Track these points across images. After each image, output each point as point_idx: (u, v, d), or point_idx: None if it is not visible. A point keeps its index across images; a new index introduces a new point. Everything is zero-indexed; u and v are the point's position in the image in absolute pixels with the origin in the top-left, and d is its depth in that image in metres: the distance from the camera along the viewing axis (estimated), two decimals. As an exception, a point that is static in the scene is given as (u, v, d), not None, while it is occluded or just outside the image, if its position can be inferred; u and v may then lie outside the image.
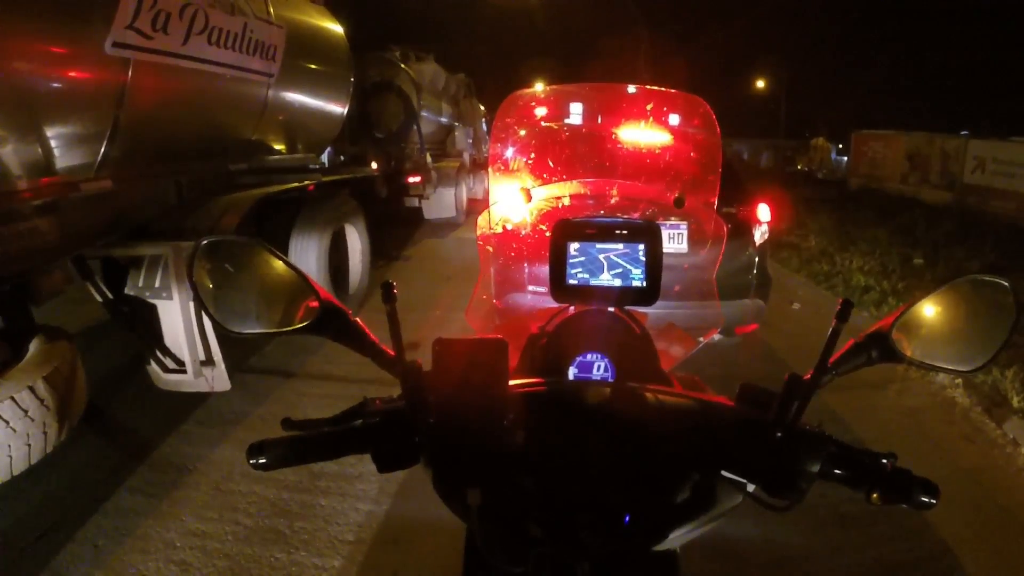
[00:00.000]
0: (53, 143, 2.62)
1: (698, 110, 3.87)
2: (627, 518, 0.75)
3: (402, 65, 9.83)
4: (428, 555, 2.50)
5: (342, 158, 7.59)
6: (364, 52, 8.31)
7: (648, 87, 3.86)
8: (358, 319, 0.86)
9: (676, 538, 0.81)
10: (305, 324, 0.83)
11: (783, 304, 5.84)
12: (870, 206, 12.67)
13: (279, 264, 0.84)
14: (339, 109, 6.28)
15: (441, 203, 11.02)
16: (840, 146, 26.94)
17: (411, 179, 9.63)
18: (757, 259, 4.13)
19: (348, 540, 2.63)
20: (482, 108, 16.16)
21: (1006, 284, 0.81)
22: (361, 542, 2.62)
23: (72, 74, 2.71)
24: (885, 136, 17.43)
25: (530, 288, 3.86)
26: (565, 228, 1.15)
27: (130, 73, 2.92)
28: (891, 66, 37.02)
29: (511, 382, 0.85)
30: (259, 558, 2.54)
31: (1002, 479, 3.17)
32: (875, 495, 0.73)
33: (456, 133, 12.86)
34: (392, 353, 0.82)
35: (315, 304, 0.83)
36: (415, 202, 10.23)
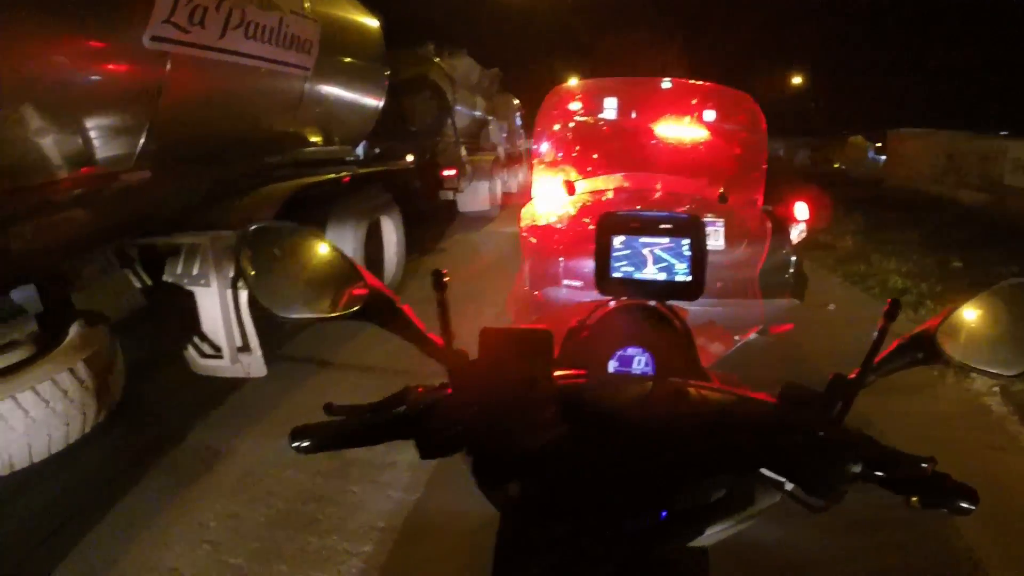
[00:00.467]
0: (93, 135, 2.65)
1: (744, 105, 3.78)
2: (664, 513, 0.74)
3: (436, 59, 9.84)
4: (457, 544, 2.45)
5: (377, 151, 7.61)
6: (399, 47, 8.33)
7: (694, 81, 3.75)
8: (405, 306, 0.85)
9: (711, 535, 0.79)
10: (353, 310, 0.82)
11: (818, 304, 5.67)
12: (907, 207, 12.32)
13: (327, 250, 0.84)
14: (374, 103, 6.28)
15: (476, 197, 11.01)
16: (878, 145, 26.19)
17: (446, 172, 9.64)
18: (793, 258, 4.01)
19: (379, 527, 2.63)
20: (516, 102, 16.08)
21: None
22: (392, 529, 2.61)
23: (111, 67, 2.72)
24: (923, 135, 16.87)
25: (565, 283, 3.82)
26: (610, 221, 1.14)
27: (168, 67, 2.94)
28: (931, 63, 35.86)
29: (555, 373, 0.85)
30: (291, 541, 2.55)
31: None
32: (914, 499, 0.71)
33: (490, 127, 12.84)
34: (439, 341, 0.83)
35: (363, 291, 0.83)
36: (450, 195, 10.22)
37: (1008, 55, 29.87)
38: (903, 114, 23.22)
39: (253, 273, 0.83)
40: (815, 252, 7.95)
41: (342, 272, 0.84)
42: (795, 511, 0.75)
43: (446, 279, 0.80)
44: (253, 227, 0.83)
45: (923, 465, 0.72)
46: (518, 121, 15.89)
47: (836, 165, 27.45)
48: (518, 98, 16.38)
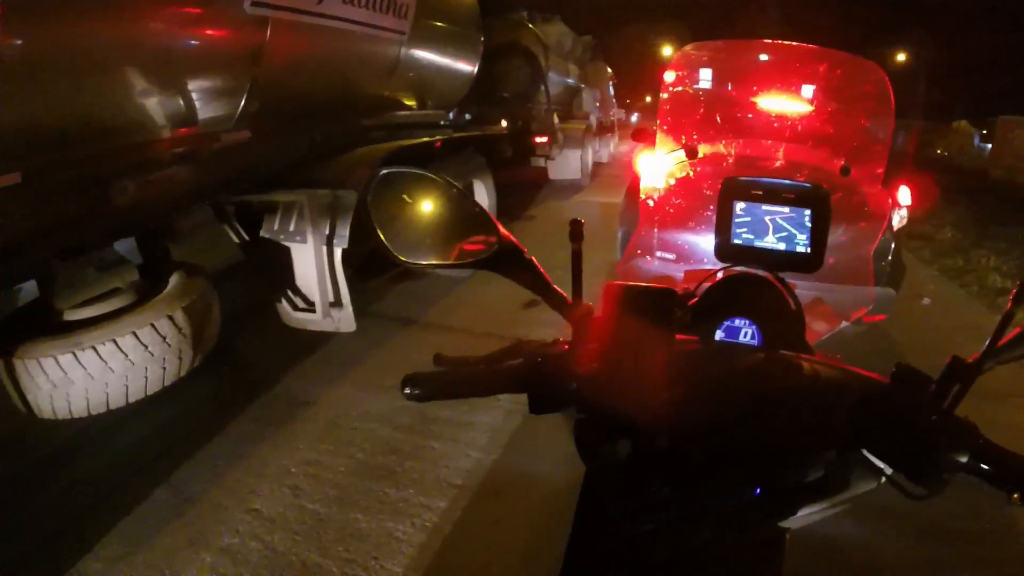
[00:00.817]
0: (195, 96, 2.62)
1: (871, 76, 3.36)
2: (757, 491, 0.70)
3: (530, 26, 9.49)
4: (531, 507, 2.40)
5: (468, 116, 7.47)
6: (493, 12, 8.06)
7: (823, 48, 3.36)
8: (533, 258, 0.79)
9: (800, 517, 0.73)
10: (481, 259, 0.77)
11: (912, 297, 5.14)
12: (1012, 200, 11.02)
13: (457, 198, 0.79)
14: (468, 68, 6.10)
15: (567, 165, 10.68)
16: (984, 132, 23.66)
17: (538, 139, 9.41)
18: (893, 245, 3.59)
19: (455, 484, 2.58)
20: (609, 71, 15.45)
21: None
22: (467, 488, 2.57)
23: (213, 32, 2.67)
24: (1034, 124, 15.00)
25: (658, 254, 3.58)
26: (732, 187, 1.08)
27: (268, 32, 2.86)
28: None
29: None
30: (369, 491, 2.54)
31: None
32: (1016, 495, 0.64)
33: (583, 95, 12.40)
34: (563, 295, 0.79)
35: (492, 240, 0.77)
36: (541, 162, 9.99)
37: None
38: (1014, 100, 20.76)
39: (380, 218, 0.78)
40: (912, 243, 7.26)
41: (472, 220, 0.79)
42: (876, 510, 0.59)
43: (582, 228, 0.77)
44: (384, 171, 0.79)
45: None
46: (611, 90, 15.31)
47: (939, 151, 25.10)
48: (611, 67, 15.74)
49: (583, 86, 12.51)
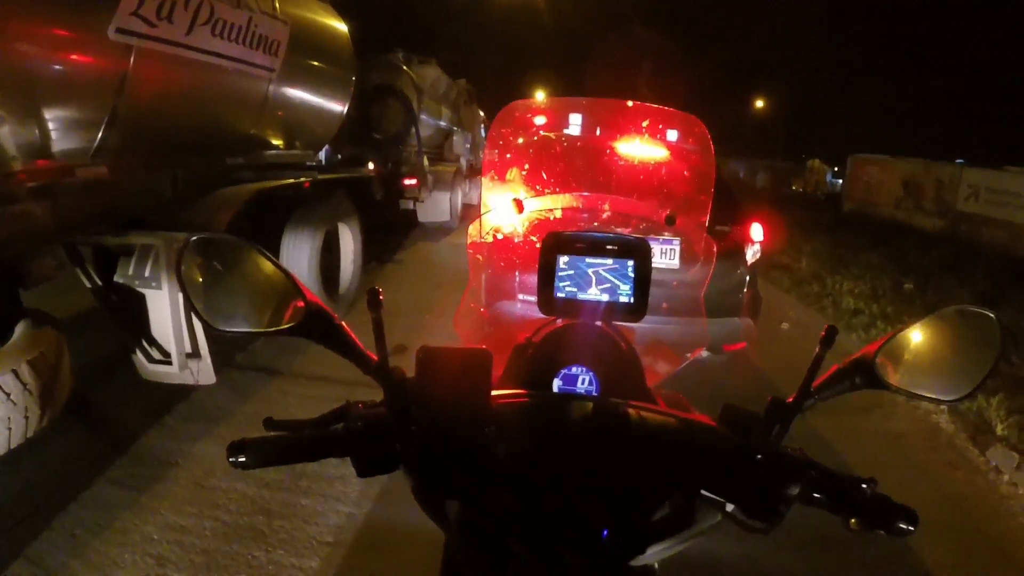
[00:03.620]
0: (51, 126, 2.60)
1: (694, 130, 3.89)
2: (605, 532, 0.76)
3: (404, 68, 9.85)
4: (406, 562, 2.47)
5: (339, 157, 7.57)
6: (367, 53, 8.32)
7: (645, 104, 3.87)
8: (343, 323, 0.86)
9: (654, 554, 0.81)
10: (291, 326, 0.83)
11: (773, 324, 5.87)
12: (863, 230, 12.78)
13: (268, 264, 0.85)
14: (339, 108, 6.28)
15: (436, 207, 10.99)
16: (836, 169, 27.10)
17: (407, 182, 9.60)
18: (748, 278, 4.14)
19: (327, 541, 2.62)
20: (482, 114, 16.18)
21: (992, 315, 0.82)
22: (340, 544, 2.61)
23: (74, 57, 2.68)
24: (881, 161, 17.57)
25: (520, 297, 3.88)
26: (555, 241, 1.15)
27: (132, 60, 2.91)
28: (889, 90, 37.46)
29: (495, 392, 0.87)
30: (237, 555, 2.52)
31: (984, 506, 3.19)
32: (853, 521, 0.75)
33: (455, 138, 12.88)
34: (376, 359, 0.83)
35: (301, 306, 0.83)
36: (410, 205, 10.19)
37: (969, 82, 31.42)
38: (862, 139, 24.14)
39: (194, 284, 0.84)
40: (772, 273, 8.22)
41: (282, 287, 0.85)
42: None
43: (381, 298, 0.80)
44: (194, 238, 0.84)
45: (863, 486, 0.75)
46: (483, 133, 15.97)
47: (795, 188, 28.28)
48: (485, 111, 16.49)
49: (456, 129, 13.00)
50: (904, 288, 7.49)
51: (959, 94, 31.99)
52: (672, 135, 3.92)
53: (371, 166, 8.00)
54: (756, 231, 4.23)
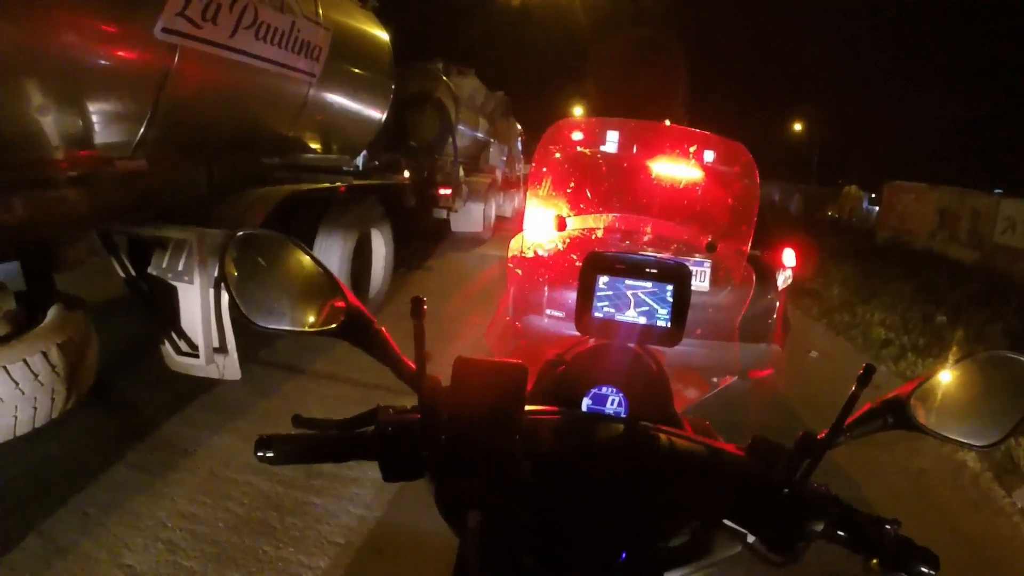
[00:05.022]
0: (94, 118, 2.68)
1: (740, 158, 3.86)
2: (623, 555, 0.75)
3: (443, 78, 9.95)
4: (414, 568, 2.46)
5: (376, 163, 7.65)
6: (407, 61, 8.42)
7: (692, 129, 3.82)
8: (383, 328, 0.86)
9: None
10: (331, 327, 0.83)
11: (800, 351, 5.72)
12: (896, 260, 12.44)
13: (310, 263, 0.85)
14: (377, 115, 6.35)
15: (469, 217, 11.05)
16: (872, 195, 26.55)
17: (441, 191, 9.68)
18: (778, 304, 4.04)
19: (337, 542, 2.61)
20: (519, 127, 16.25)
21: None
22: (349, 546, 2.60)
23: (120, 54, 2.76)
24: (917, 189, 17.10)
25: (547, 312, 3.86)
26: (596, 261, 1.13)
27: (176, 59, 2.98)
28: (929, 116, 36.75)
29: (527, 407, 0.85)
30: (247, 548, 2.53)
31: (1005, 550, 3.07)
32: (875, 561, 0.73)
33: (490, 149, 12.95)
34: (412, 366, 0.83)
35: (342, 306, 0.83)
36: (443, 214, 10.26)
37: (1006, 112, 30.65)
38: (899, 165, 23.69)
39: (236, 279, 0.84)
40: (802, 300, 8.05)
41: (324, 287, 0.85)
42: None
43: (424, 307, 0.80)
44: (241, 233, 0.85)
45: (887, 527, 0.73)
46: (519, 146, 16.04)
47: (830, 213, 27.78)
48: (521, 124, 16.56)
49: (492, 141, 13.09)
50: (936, 320, 7.27)
51: (998, 121, 31.25)
52: (717, 161, 3.89)
53: (406, 173, 8.07)
54: (788, 256, 4.15)
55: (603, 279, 1.11)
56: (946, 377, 0.83)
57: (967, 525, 3.24)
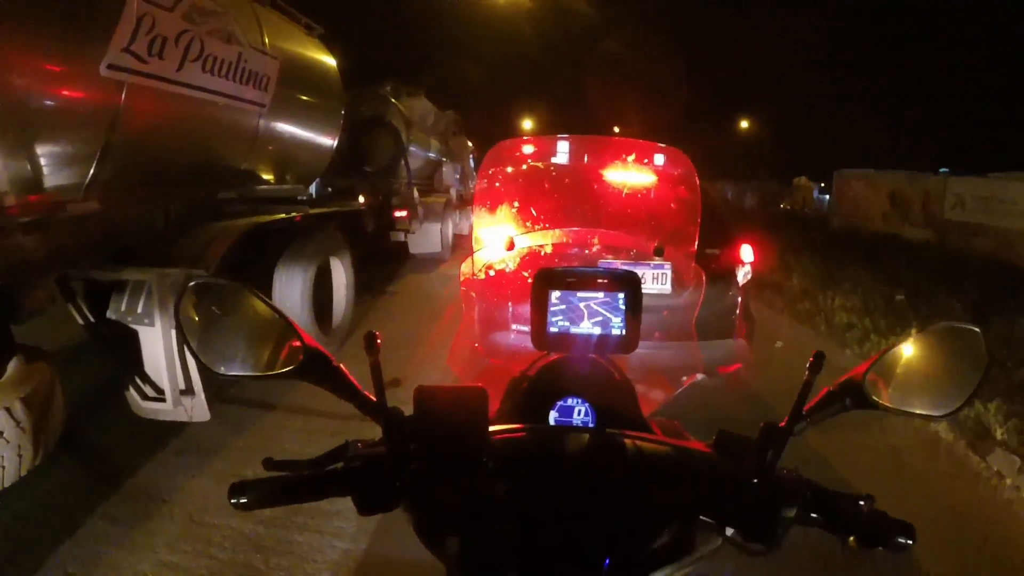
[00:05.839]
0: (43, 161, 2.63)
1: (679, 163, 3.98)
2: (607, 561, 0.76)
3: (393, 100, 9.99)
4: None
5: (330, 190, 7.64)
6: (356, 86, 8.45)
7: (631, 139, 3.95)
8: (341, 365, 0.88)
9: None
10: (289, 369, 0.85)
11: (766, 343, 5.86)
12: (852, 245, 12.87)
13: (265, 308, 0.87)
14: (329, 141, 6.35)
15: (427, 238, 11.05)
16: (823, 185, 27.41)
17: (398, 214, 9.69)
18: (740, 299, 4.15)
19: (324, 580, 2.58)
20: (470, 145, 16.38)
21: (977, 330, 0.84)
22: (337, 582, 2.56)
23: (66, 93, 2.73)
24: (866, 175, 17.79)
25: (514, 327, 3.89)
26: (546, 276, 1.16)
27: (123, 96, 2.95)
28: (873, 105, 38.19)
29: (492, 428, 0.88)
30: (231, 596, 2.47)
31: (988, 513, 3.19)
32: (852, 539, 0.76)
33: (444, 169, 13.00)
34: (374, 399, 0.85)
35: (299, 347, 0.85)
36: (401, 237, 10.25)
37: (951, 93, 32.02)
38: (846, 155, 24.50)
39: (193, 329, 0.86)
40: (764, 293, 8.25)
41: (279, 330, 0.87)
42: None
43: (379, 341, 0.82)
44: (192, 283, 0.87)
45: (860, 504, 0.77)
46: (471, 163, 16.15)
47: (783, 206, 28.53)
48: (473, 141, 16.69)
49: (445, 160, 13.15)
50: (896, 300, 7.52)
51: (940, 103, 32.65)
52: (658, 168, 4.00)
53: (361, 199, 8.06)
54: (746, 252, 4.26)
55: (555, 294, 1.14)
56: (900, 352, 0.87)
57: (947, 494, 3.36)
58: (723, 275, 4.07)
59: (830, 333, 6.62)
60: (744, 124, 41.59)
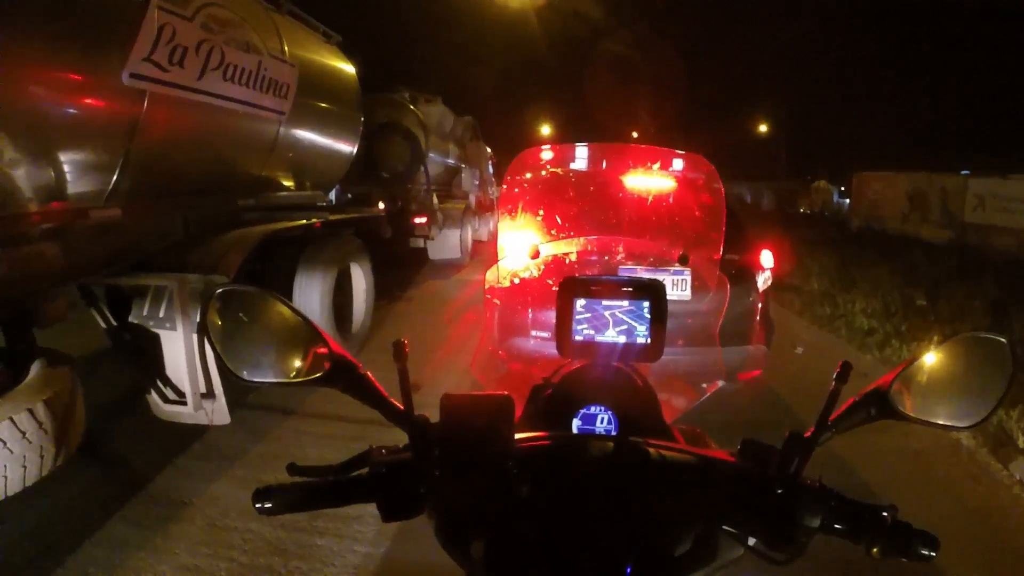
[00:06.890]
0: (65, 169, 2.66)
1: (702, 170, 3.94)
2: (628, 569, 0.75)
3: (411, 107, 10.01)
4: None
5: (349, 197, 7.65)
6: (374, 93, 8.48)
7: (654, 147, 3.90)
8: (368, 372, 0.87)
9: None
10: (316, 376, 0.84)
11: (786, 348, 5.78)
12: (871, 246, 12.71)
13: (291, 314, 0.86)
14: (348, 148, 6.37)
15: (446, 244, 11.08)
16: (842, 188, 27.10)
17: (417, 220, 9.69)
18: (760, 305, 4.10)
19: (345, 583, 2.57)
20: (488, 150, 16.37)
21: (1003, 341, 0.83)
22: (358, 586, 2.55)
23: (88, 102, 2.76)
24: (886, 177, 17.61)
25: (533, 333, 3.88)
26: (572, 285, 1.17)
27: (145, 105, 2.98)
28: (892, 107, 37.70)
29: (516, 436, 0.87)
30: (252, 599, 2.47)
31: (1010, 520, 3.10)
32: (875, 549, 0.75)
33: (462, 175, 13.01)
34: (400, 406, 0.85)
35: (325, 353, 0.84)
36: (420, 243, 10.27)
37: (971, 94, 31.54)
38: (867, 157, 24.20)
39: (220, 335, 0.85)
40: (783, 296, 8.15)
41: (306, 336, 0.86)
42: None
43: (407, 350, 0.82)
44: (219, 290, 0.86)
45: (883, 514, 0.76)
46: (490, 169, 16.16)
47: (801, 209, 28.27)
48: (491, 146, 16.69)
49: (463, 166, 13.15)
50: (917, 303, 7.39)
51: (962, 107, 32.15)
52: (680, 174, 3.97)
53: (380, 205, 8.08)
54: (766, 258, 4.21)
55: (580, 302, 1.14)
56: (925, 362, 0.85)
57: (969, 499, 3.28)
58: (743, 281, 4.02)
59: (851, 337, 6.53)
60: (761, 127, 41.23)
